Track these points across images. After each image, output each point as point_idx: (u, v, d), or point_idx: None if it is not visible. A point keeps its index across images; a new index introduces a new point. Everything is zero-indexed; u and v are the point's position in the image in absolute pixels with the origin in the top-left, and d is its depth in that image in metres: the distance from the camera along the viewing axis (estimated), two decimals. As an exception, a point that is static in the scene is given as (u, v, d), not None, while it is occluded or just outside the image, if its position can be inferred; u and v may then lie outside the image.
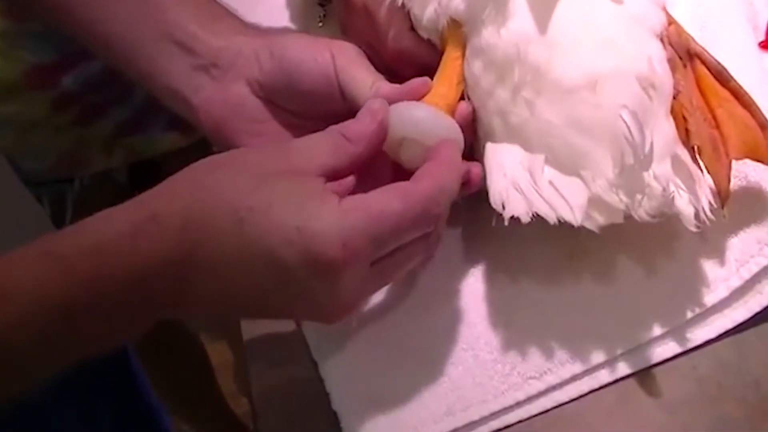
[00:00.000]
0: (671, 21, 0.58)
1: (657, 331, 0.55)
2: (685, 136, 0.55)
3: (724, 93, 0.56)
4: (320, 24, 0.73)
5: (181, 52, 0.61)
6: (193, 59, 0.61)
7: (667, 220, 0.53)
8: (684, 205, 0.53)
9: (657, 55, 0.55)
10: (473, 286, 0.60)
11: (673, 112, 0.55)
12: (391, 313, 0.59)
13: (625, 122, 0.50)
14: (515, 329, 0.57)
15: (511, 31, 0.55)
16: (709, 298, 0.55)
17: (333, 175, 0.51)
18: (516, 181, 0.54)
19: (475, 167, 0.57)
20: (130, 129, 0.97)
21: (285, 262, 0.47)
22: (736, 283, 0.55)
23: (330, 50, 0.58)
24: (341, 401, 0.57)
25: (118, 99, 0.95)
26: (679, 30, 0.57)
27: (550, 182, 0.53)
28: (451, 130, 0.55)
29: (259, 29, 0.63)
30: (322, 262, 0.47)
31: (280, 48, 0.60)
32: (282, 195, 0.49)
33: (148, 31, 0.62)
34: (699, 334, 0.55)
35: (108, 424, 0.80)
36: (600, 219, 0.53)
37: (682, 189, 0.53)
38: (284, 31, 0.74)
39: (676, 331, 0.55)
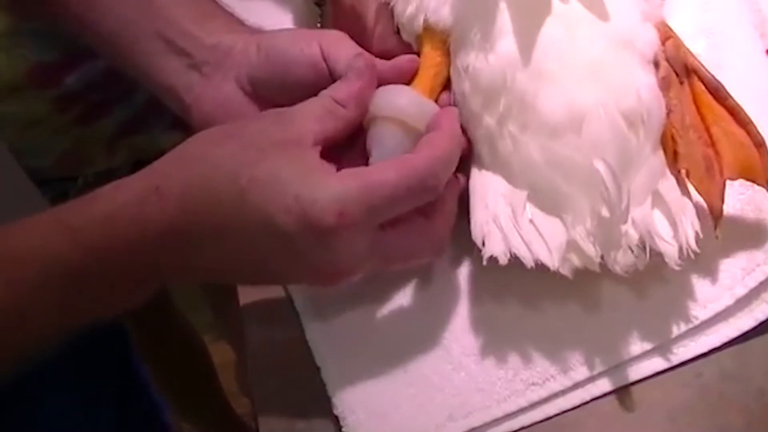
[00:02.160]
0: (669, 34, 0.57)
1: (661, 339, 0.55)
2: (674, 157, 0.55)
3: (720, 110, 0.55)
4: (319, 25, 0.73)
5: (174, 51, 0.62)
6: (186, 58, 0.62)
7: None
8: (665, 243, 0.53)
9: (645, 84, 0.55)
10: (476, 292, 0.59)
11: (662, 133, 0.55)
12: (394, 318, 0.59)
13: (602, 176, 0.51)
14: (518, 336, 0.57)
15: (499, 55, 0.55)
16: (714, 306, 0.55)
17: (329, 140, 0.53)
18: (497, 216, 0.54)
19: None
20: (132, 128, 0.97)
21: (285, 229, 0.50)
22: (741, 291, 0.55)
23: (317, 39, 0.59)
24: (343, 405, 0.57)
25: (120, 98, 0.95)
26: (677, 44, 0.57)
27: (531, 221, 0.54)
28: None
29: (250, 26, 0.63)
30: (319, 228, 0.49)
31: (268, 41, 0.60)
32: (280, 166, 0.51)
33: (144, 29, 0.63)
34: (703, 343, 0.55)
35: (109, 422, 0.80)
36: (576, 262, 0.53)
37: (659, 237, 0.53)
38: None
39: (680, 340, 0.55)
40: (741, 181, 0.55)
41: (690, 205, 0.55)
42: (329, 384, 0.58)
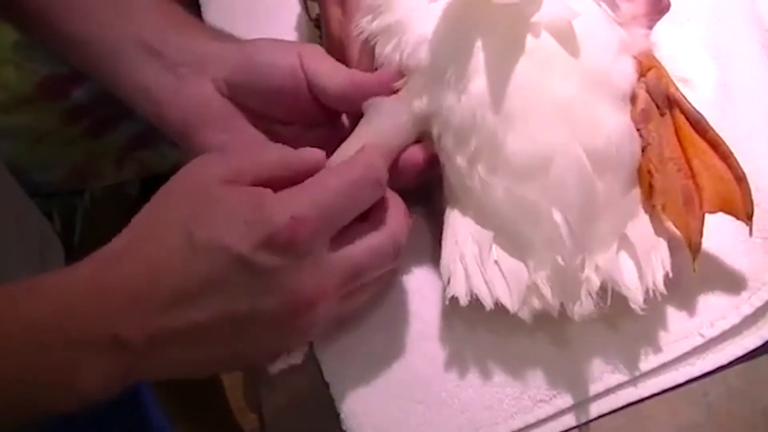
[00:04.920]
0: (652, 64, 0.57)
1: (668, 356, 0.55)
2: (649, 192, 0.55)
3: (701, 143, 0.55)
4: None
5: (151, 54, 0.62)
6: (161, 59, 0.62)
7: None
8: (629, 289, 0.54)
9: (615, 124, 0.54)
10: (483, 309, 0.59)
11: (639, 170, 0.55)
12: (402, 335, 0.59)
13: (558, 227, 0.52)
14: (526, 352, 0.57)
15: (471, 95, 0.55)
16: (721, 325, 0.55)
17: (268, 185, 0.52)
18: (463, 255, 0.55)
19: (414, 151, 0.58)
20: (140, 143, 0.98)
21: (242, 255, 0.49)
22: (747, 310, 0.55)
23: (297, 50, 0.60)
24: (351, 421, 0.57)
25: (128, 113, 0.94)
26: (659, 74, 0.56)
27: (496, 262, 0.55)
28: None
29: (228, 36, 0.63)
30: (278, 242, 0.49)
31: (249, 50, 0.61)
32: (224, 201, 0.50)
33: (120, 33, 0.62)
34: (710, 361, 0.55)
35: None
36: (537, 305, 0.54)
37: (622, 284, 0.54)
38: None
39: (687, 357, 0.55)
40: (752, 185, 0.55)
41: (663, 243, 0.55)
42: (338, 400, 0.58)
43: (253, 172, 0.52)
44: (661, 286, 0.54)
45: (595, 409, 0.56)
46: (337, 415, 0.58)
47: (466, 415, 0.56)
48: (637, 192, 0.56)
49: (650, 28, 0.57)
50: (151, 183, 1.04)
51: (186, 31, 0.63)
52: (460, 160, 0.56)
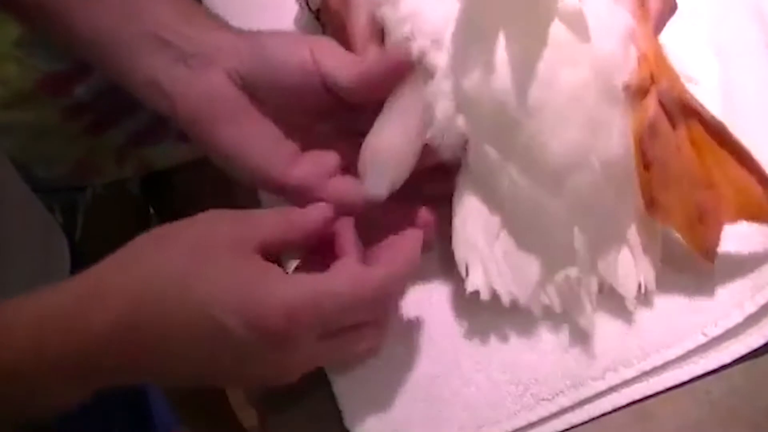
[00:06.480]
0: (664, 71, 0.55)
1: (671, 354, 0.55)
2: (651, 205, 0.55)
3: (721, 152, 0.54)
4: None
5: (162, 47, 0.61)
6: (173, 52, 0.61)
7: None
8: (624, 289, 0.56)
9: (623, 132, 0.54)
10: (486, 307, 0.59)
11: (642, 183, 0.55)
12: (405, 332, 0.59)
13: (576, 246, 0.54)
14: (528, 350, 0.57)
15: (496, 88, 0.54)
16: (724, 323, 0.55)
17: (273, 250, 0.52)
18: (478, 248, 0.56)
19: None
20: (141, 140, 0.98)
21: (232, 332, 0.49)
22: (751, 309, 0.55)
23: (308, 44, 0.59)
24: (354, 418, 0.57)
25: (130, 109, 0.95)
26: (672, 83, 0.55)
27: (506, 255, 0.56)
28: None
29: (239, 29, 0.63)
30: (266, 331, 0.49)
31: (260, 43, 0.60)
32: (224, 267, 0.50)
33: (131, 27, 0.62)
34: (714, 359, 0.55)
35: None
36: (545, 303, 0.56)
37: (618, 285, 0.56)
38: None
39: (691, 355, 0.55)
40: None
41: (656, 244, 0.56)
42: (340, 397, 0.58)
43: (259, 237, 0.52)
44: (652, 286, 0.55)
45: (598, 407, 0.55)
46: (339, 411, 0.58)
47: (469, 412, 0.56)
48: (634, 192, 0.55)
49: (660, 30, 0.57)
50: (152, 181, 1.04)
51: (197, 22, 0.62)
52: (489, 147, 0.55)
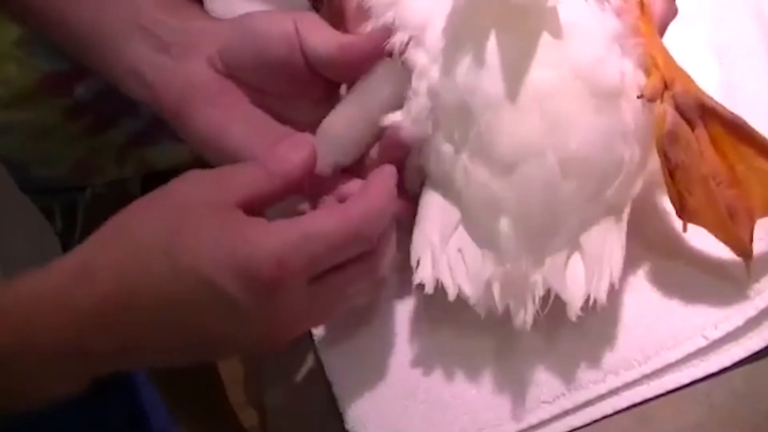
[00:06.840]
0: (675, 74, 0.54)
1: (672, 357, 0.55)
2: (681, 209, 0.54)
3: (743, 148, 0.54)
4: None
5: (144, 36, 0.61)
6: (155, 41, 0.61)
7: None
8: (570, 296, 0.53)
9: (590, 129, 0.53)
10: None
11: (669, 189, 0.54)
12: (406, 334, 0.60)
13: (501, 235, 0.52)
14: (529, 353, 0.57)
15: (459, 79, 0.54)
16: (724, 327, 0.55)
17: (255, 204, 0.52)
18: (432, 242, 0.55)
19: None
20: (142, 139, 0.98)
21: (224, 288, 0.49)
22: (751, 312, 0.55)
23: (292, 19, 0.59)
24: (355, 420, 0.57)
25: (130, 110, 0.95)
26: (687, 86, 0.54)
27: (460, 250, 0.55)
28: None
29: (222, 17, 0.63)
30: (259, 281, 0.49)
31: (243, 19, 0.60)
32: (208, 226, 0.50)
33: (113, 17, 0.62)
34: (714, 362, 0.55)
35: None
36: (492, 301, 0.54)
37: (565, 289, 0.53)
38: None
39: (691, 359, 0.55)
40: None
41: (617, 254, 0.54)
42: (341, 399, 0.58)
43: (240, 192, 0.51)
44: (603, 297, 0.53)
45: (599, 409, 0.56)
46: (340, 413, 0.58)
47: (469, 415, 0.56)
48: (602, 199, 0.54)
49: (662, 33, 0.57)
50: (152, 181, 1.04)
51: (180, 12, 0.62)
52: (445, 143, 0.55)
